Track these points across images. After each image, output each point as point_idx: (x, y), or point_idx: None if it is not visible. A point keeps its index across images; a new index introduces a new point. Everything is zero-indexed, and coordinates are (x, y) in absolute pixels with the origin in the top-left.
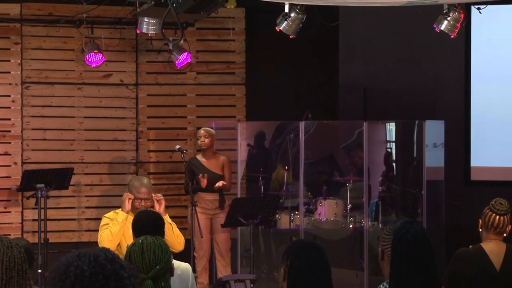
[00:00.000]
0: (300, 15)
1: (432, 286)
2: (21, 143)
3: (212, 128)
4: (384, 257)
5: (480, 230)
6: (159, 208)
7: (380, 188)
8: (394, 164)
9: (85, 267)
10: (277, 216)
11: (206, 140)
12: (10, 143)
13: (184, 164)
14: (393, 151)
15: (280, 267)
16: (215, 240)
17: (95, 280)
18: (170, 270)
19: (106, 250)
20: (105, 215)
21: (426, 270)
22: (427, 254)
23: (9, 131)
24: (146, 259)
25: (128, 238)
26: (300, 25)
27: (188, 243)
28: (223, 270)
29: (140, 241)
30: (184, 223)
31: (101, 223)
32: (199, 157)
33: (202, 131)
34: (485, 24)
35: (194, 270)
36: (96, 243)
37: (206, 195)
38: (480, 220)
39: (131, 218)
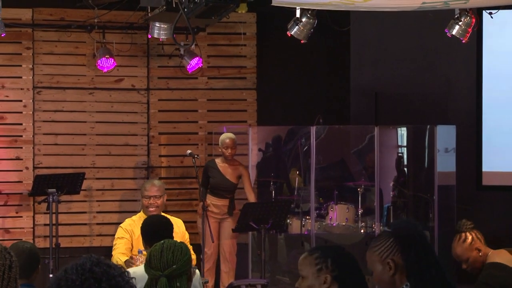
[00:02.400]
0: (311, 20)
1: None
2: (33, 148)
3: (223, 133)
4: (397, 267)
5: (480, 254)
6: None
7: (391, 193)
8: (405, 169)
9: (74, 277)
10: (288, 221)
11: (234, 151)
12: (21, 148)
13: (196, 169)
14: (405, 156)
15: (318, 275)
16: (221, 245)
17: (88, 285)
18: (189, 274)
19: (90, 256)
20: (121, 225)
21: (439, 263)
22: (431, 246)
23: (21, 136)
24: (164, 257)
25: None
26: (311, 30)
27: (198, 247)
28: (226, 276)
29: (162, 242)
30: (194, 227)
31: (116, 235)
32: (218, 161)
33: (229, 141)
34: (496, 28)
35: (202, 274)
36: (106, 248)
37: (215, 200)
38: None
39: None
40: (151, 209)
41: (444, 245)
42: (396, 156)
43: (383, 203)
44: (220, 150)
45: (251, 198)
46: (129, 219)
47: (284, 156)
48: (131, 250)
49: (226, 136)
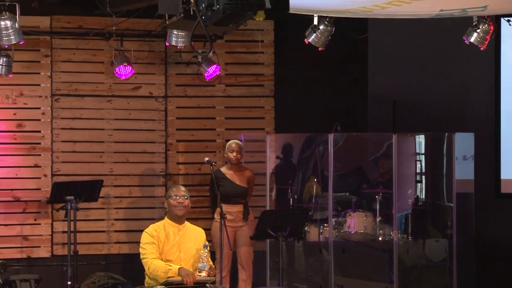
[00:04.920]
0: (329, 28)
1: None
2: (51, 155)
3: (241, 140)
4: None
5: None
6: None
7: (409, 200)
8: (423, 177)
9: None
10: (306, 228)
11: (239, 156)
12: (40, 155)
13: (213, 176)
14: (423, 164)
15: None
16: (237, 253)
17: None
18: None
19: None
20: (146, 230)
21: None
22: None
23: (39, 144)
24: None
25: (184, 250)
26: (329, 37)
27: (212, 255)
28: (243, 284)
29: None
30: (209, 235)
31: (142, 240)
32: (224, 169)
33: (234, 146)
34: None
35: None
36: (124, 255)
37: (230, 207)
38: None
39: (182, 233)
40: (179, 208)
41: (462, 253)
42: (414, 163)
43: (401, 210)
44: (226, 156)
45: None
46: (153, 224)
47: (300, 164)
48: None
49: (232, 141)
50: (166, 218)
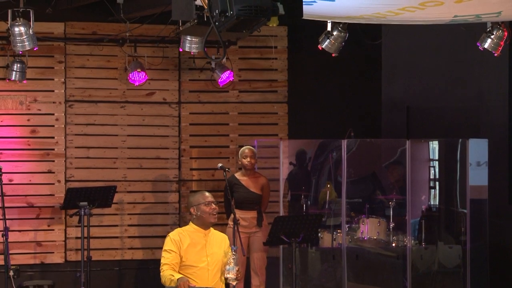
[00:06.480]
0: (342, 33)
1: None
2: (65, 161)
3: (254, 146)
4: None
5: None
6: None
7: (423, 206)
8: (437, 183)
9: None
10: (319, 234)
11: (253, 161)
12: (53, 161)
13: (226, 182)
14: (436, 170)
15: None
16: (251, 258)
17: None
18: None
19: None
20: (170, 234)
21: None
22: None
23: (53, 149)
24: None
25: (210, 255)
26: (343, 43)
27: None
28: None
29: None
30: None
31: (164, 246)
32: (238, 175)
33: (248, 151)
34: None
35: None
36: (138, 261)
37: (244, 213)
38: None
39: (208, 237)
40: (213, 215)
41: (476, 259)
42: (427, 169)
43: (415, 217)
44: (240, 162)
45: (263, 209)
46: (179, 228)
47: (313, 170)
48: (180, 262)
49: (245, 147)
50: (191, 224)
